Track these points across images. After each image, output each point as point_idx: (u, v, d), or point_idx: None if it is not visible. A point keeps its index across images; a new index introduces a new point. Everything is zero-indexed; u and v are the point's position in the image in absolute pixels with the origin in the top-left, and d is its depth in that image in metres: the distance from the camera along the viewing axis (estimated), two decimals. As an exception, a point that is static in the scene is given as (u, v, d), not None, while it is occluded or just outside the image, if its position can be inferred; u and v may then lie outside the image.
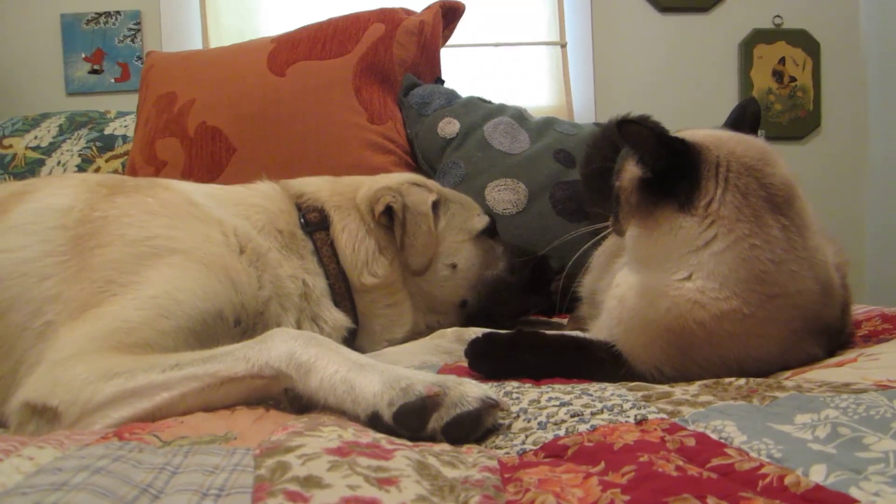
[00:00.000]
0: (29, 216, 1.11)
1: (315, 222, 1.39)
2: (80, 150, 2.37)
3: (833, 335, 1.04)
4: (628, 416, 0.76)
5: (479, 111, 2.11)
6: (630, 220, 1.07)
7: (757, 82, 3.34)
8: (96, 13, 3.17)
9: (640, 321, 1.01)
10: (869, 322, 1.23)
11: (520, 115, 2.13)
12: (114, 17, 3.18)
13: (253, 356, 0.89)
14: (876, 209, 3.35)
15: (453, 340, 1.36)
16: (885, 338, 1.10)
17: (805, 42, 3.34)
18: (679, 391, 0.85)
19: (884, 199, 3.30)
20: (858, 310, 1.30)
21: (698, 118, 2.71)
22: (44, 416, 0.86)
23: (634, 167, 1.05)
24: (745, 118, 1.19)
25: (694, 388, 0.87)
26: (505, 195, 1.96)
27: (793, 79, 3.37)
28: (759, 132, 2.94)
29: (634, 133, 1.01)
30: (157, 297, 1.03)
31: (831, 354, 1.03)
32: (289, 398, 0.90)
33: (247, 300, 1.16)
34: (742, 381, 0.87)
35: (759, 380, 0.88)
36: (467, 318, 1.47)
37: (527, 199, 1.96)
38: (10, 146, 2.43)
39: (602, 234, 1.27)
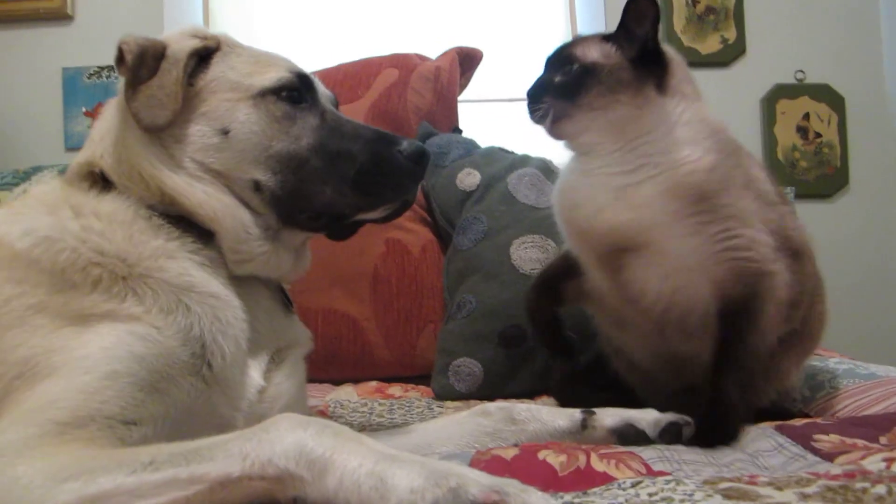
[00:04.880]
0: None
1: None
2: (71, 205, 2.24)
3: None
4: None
5: (501, 162, 1.97)
6: (605, 98, 1.19)
7: (781, 139, 3.27)
8: (99, 67, 3.12)
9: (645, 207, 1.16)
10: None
11: (545, 167, 1.98)
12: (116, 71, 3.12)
13: (252, 451, 0.71)
14: (910, 269, 3.20)
15: (501, 420, 1.17)
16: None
17: (829, 97, 3.28)
18: (794, 497, 0.66)
19: (918, 258, 3.15)
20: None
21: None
22: None
23: (604, 45, 1.23)
24: None
25: (812, 489, 0.69)
26: (532, 253, 1.80)
27: (818, 135, 3.29)
28: (788, 189, 2.80)
29: (644, 8, 1.19)
30: (88, 356, 0.86)
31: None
32: None
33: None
34: (882, 488, 0.68)
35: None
36: (276, 208, 1.11)
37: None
38: (-2, 200, 2.31)
39: None
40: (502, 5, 3.16)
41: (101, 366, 0.85)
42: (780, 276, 1.18)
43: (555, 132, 1.27)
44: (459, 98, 2.30)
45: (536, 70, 3.25)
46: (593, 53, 1.23)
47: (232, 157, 1.07)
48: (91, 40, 3.10)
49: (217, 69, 1.11)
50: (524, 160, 2.01)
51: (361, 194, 1.10)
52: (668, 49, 1.26)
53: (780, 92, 3.23)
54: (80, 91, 3.10)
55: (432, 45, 2.39)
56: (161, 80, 1.04)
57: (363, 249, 1.89)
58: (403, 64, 2.11)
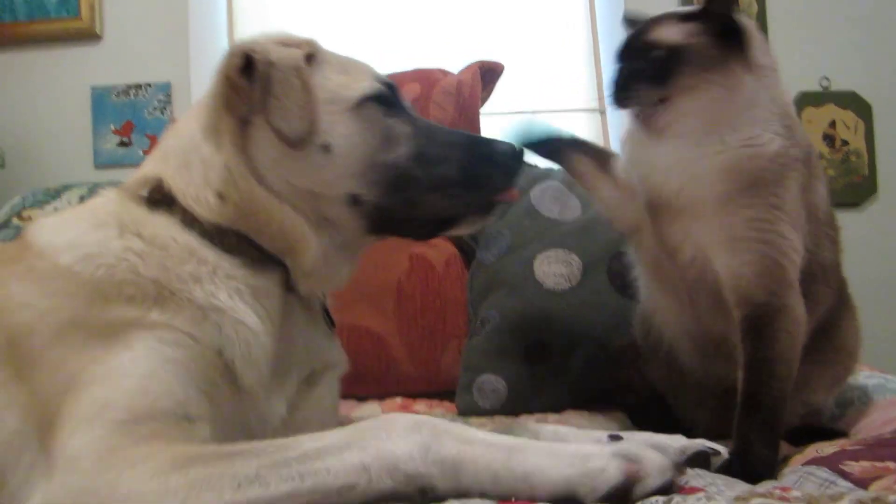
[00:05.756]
0: None
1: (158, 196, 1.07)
2: (101, 223, 2.27)
3: None
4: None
5: (524, 175, 1.97)
6: (696, 78, 1.16)
7: None
8: (127, 85, 3.16)
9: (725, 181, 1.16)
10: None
11: (568, 180, 1.98)
12: (144, 89, 3.17)
13: (373, 463, 0.74)
14: (941, 277, 3.12)
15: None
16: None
17: (855, 104, 3.23)
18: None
19: (949, 266, 3.08)
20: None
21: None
22: None
23: (684, 25, 1.19)
24: None
25: (843, 502, 0.68)
26: (556, 268, 1.79)
27: (845, 142, 3.24)
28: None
29: None
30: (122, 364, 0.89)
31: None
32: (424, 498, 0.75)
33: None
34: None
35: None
36: (370, 221, 1.10)
37: (581, 272, 1.80)
38: (30, 218, 2.35)
39: None
40: (524, 19, 3.17)
41: (138, 369, 0.87)
42: (798, 305, 1.17)
43: (650, 125, 1.24)
44: (481, 111, 2.30)
45: (558, 82, 3.22)
46: (676, 35, 1.20)
47: (332, 174, 1.05)
48: (119, 59, 3.14)
49: (314, 79, 1.07)
50: (547, 173, 2.01)
51: (472, 192, 1.10)
52: (744, 19, 1.22)
53: (806, 100, 3.19)
54: (108, 109, 3.15)
55: (455, 60, 2.41)
56: (283, 89, 1.02)
57: (387, 265, 1.90)
58: (426, 79, 2.12)
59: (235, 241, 1.03)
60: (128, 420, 0.81)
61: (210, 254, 1.01)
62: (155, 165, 1.09)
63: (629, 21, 1.35)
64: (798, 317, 1.16)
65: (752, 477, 1.04)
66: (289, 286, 1.07)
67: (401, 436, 0.75)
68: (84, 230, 1.01)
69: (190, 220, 1.03)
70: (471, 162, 1.10)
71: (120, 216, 1.02)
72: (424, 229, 1.14)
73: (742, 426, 1.12)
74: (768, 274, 1.15)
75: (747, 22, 1.21)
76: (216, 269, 1.01)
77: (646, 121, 1.23)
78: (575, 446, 0.78)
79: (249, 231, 1.04)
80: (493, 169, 1.11)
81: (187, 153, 1.06)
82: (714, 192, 1.16)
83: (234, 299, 0.99)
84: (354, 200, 1.07)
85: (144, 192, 1.06)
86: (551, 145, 1.44)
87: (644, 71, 1.20)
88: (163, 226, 1.02)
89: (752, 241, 1.15)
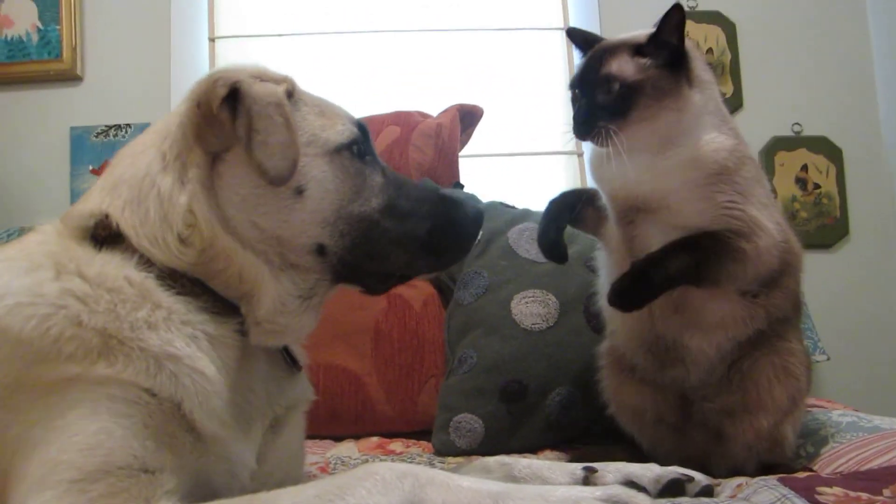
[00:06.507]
0: None
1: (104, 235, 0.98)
2: (75, 262, 2.24)
3: None
4: None
5: (502, 216, 2.00)
6: (652, 108, 1.26)
7: (780, 190, 3.28)
8: (106, 126, 3.16)
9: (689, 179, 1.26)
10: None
11: (545, 220, 2.00)
12: (124, 130, 3.16)
13: None
14: (912, 318, 3.17)
15: (501, 477, 1.11)
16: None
17: (827, 148, 3.30)
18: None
19: (920, 306, 3.14)
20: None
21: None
22: None
23: (637, 60, 1.28)
24: None
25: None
26: (533, 308, 1.80)
27: (817, 186, 3.30)
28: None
29: (678, 21, 1.26)
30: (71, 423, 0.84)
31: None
32: None
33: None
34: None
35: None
36: (335, 272, 1.07)
37: (558, 312, 1.81)
38: (4, 258, 2.33)
39: None
40: (503, 64, 3.22)
41: (88, 426, 0.83)
42: (764, 243, 1.28)
43: (608, 145, 1.31)
44: (460, 153, 2.33)
45: (536, 126, 3.28)
46: (630, 70, 1.29)
47: (301, 220, 1.01)
48: (100, 100, 3.14)
49: (294, 118, 1.03)
50: (525, 215, 2.03)
51: (433, 255, 1.10)
52: (687, 42, 1.32)
53: (779, 144, 3.25)
54: (87, 150, 3.14)
55: (434, 103, 2.44)
56: (266, 125, 0.96)
57: (365, 304, 1.90)
58: (405, 121, 2.15)
59: (190, 285, 0.97)
60: (80, 479, 0.77)
61: (164, 297, 0.94)
62: (101, 198, 1.00)
63: (574, 35, 1.45)
64: (756, 251, 1.27)
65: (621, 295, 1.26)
66: (246, 332, 1.01)
67: (383, 490, 0.73)
68: (14, 274, 0.91)
69: (145, 261, 0.95)
70: (438, 221, 1.10)
71: (57, 255, 0.94)
72: (382, 284, 1.12)
73: (649, 261, 1.27)
74: (733, 229, 1.27)
75: (688, 43, 1.32)
76: (171, 313, 0.93)
77: (603, 144, 1.31)
78: (563, 490, 0.76)
79: (206, 276, 0.98)
80: (456, 231, 1.12)
81: (142, 186, 0.99)
82: (682, 180, 1.27)
83: (192, 346, 0.92)
84: (321, 250, 1.04)
85: (88, 228, 0.98)
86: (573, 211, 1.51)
87: (605, 107, 1.29)
88: (114, 265, 0.94)
89: (724, 218, 1.27)
